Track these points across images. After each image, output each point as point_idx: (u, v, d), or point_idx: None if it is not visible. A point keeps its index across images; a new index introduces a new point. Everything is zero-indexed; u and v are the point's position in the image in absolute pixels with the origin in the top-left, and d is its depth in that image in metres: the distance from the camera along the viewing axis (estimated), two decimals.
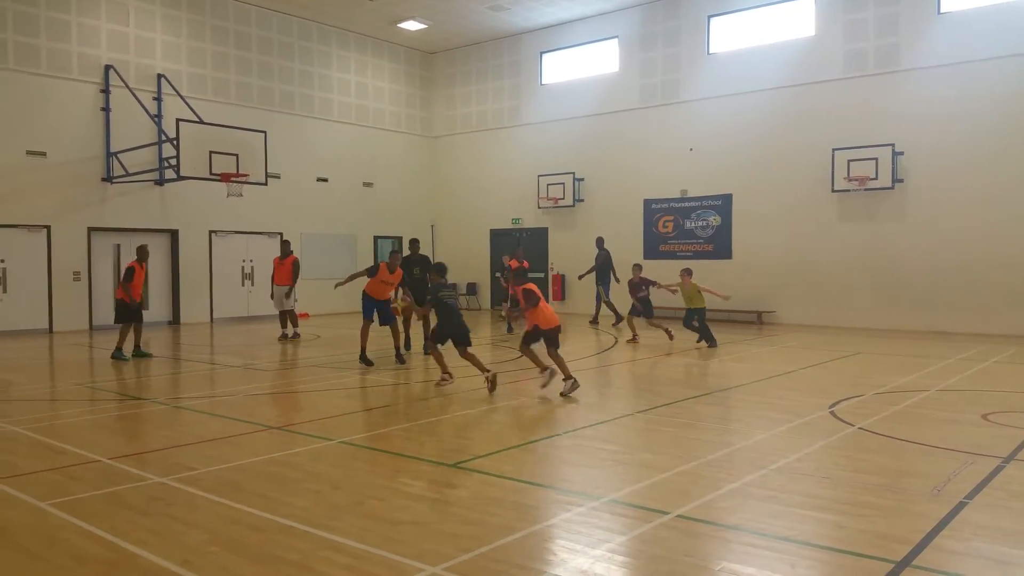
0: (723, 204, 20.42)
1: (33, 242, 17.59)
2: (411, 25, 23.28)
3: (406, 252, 14.30)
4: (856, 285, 18.32)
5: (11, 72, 17.17)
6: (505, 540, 4.57)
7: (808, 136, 18.87)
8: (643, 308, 15.51)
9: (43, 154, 17.63)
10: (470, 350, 9.85)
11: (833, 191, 18.38)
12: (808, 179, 18.90)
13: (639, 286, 15.41)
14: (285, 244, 16.75)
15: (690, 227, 21.01)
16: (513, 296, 17.28)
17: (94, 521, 4.91)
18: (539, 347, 9.83)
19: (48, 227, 17.76)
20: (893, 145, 17.48)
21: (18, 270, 17.35)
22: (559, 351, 9.62)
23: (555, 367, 9.56)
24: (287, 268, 16.19)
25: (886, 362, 12.41)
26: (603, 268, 19.80)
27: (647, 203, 21.77)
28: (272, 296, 16.43)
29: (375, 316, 12.41)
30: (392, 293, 12.82)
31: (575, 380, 9.41)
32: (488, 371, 9.52)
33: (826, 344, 14.94)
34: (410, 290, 13.20)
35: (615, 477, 6.03)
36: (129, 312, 12.99)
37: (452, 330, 9.81)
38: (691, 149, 20.86)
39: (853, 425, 7.64)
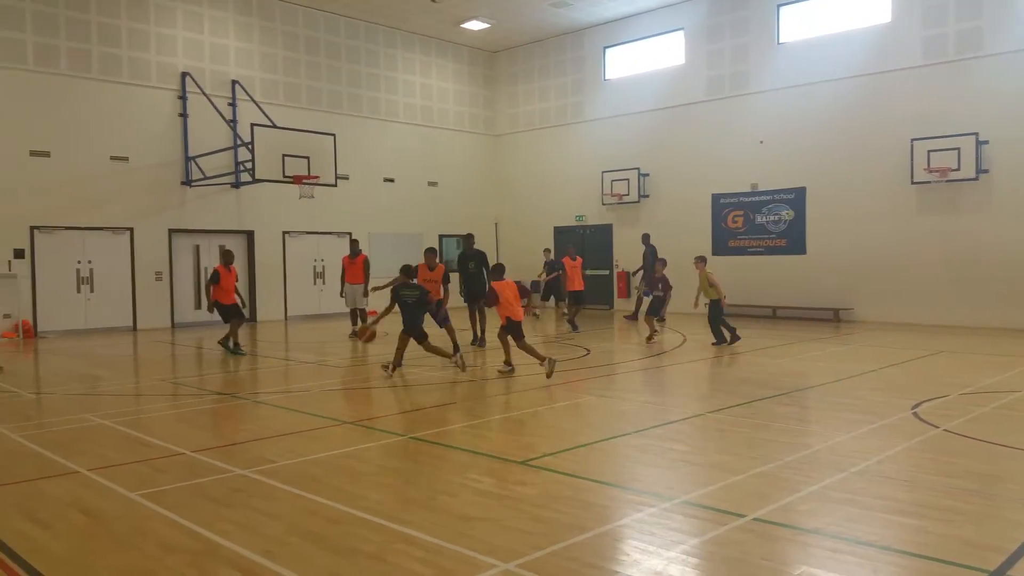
0: (796, 198, 19.95)
1: (117, 244, 18.29)
2: (474, 25, 23.40)
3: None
4: (938, 281, 17.66)
5: (95, 81, 17.87)
6: (576, 539, 4.55)
7: (885, 126, 18.26)
8: (652, 303, 15.17)
9: (125, 159, 18.31)
10: (432, 343, 10.94)
11: (913, 183, 17.75)
12: (886, 171, 18.30)
13: (658, 283, 14.93)
14: (354, 243, 16.99)
15: (761, 222, 20.58)
16: (573, 293, 17.43)
17: (180, 511, 5.09)
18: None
19: (131, 229, 18.45)
20: (977, 134, 16.78)
21: (104, 271, 18.06)
22: (524, 340, 10.68)
23: (550, 357, 10.34)
24: (358, 267, 16.42)
25: (971, 361, 11.95)
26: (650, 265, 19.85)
27: (715, 198, 21.41)
28: (342, 294, 16.69)
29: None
30: (440, 290, 13.09)
31: (551, 359, 10.24)
32: (454, 355, 10.95)
33: (907, 342, 14.46)
34: (465, 284, 13.96)
35: (687, 478, 5.93)
36: (226, 311, 13.50)
37: (407, 327, 10.87)
38: (761, 141, 20.42)
39: (938, 427, 7.37)
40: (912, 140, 17.57)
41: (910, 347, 13.70)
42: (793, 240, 20.02)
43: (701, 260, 14.29)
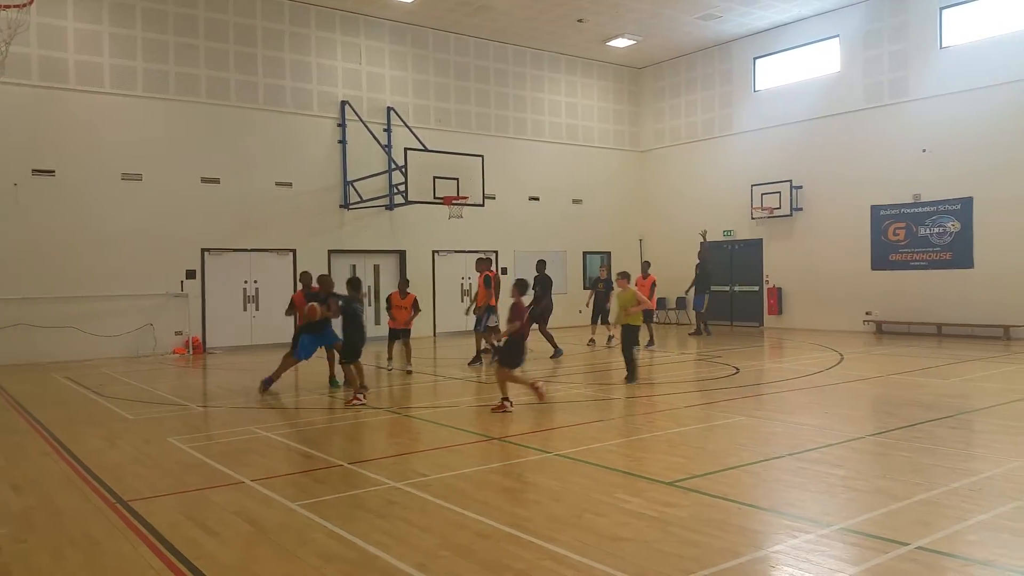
0: (963, 208, 18.69)
1: (281, 264, 19.50)
2: (620, 43, 23.43)
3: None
4: None
5: (262, 111, 19.21)
6: (729, 564, 4.48)
7: None
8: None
9: (289, 184, 19.54)
10: (352, 366, 10.55)
11: None
12: None
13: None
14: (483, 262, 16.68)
15: (924, 234, 19.41)
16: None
17: (338, 522, 5.35)
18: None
19: (294, 250, 19.62)
20: None
21: (269, 290, 19.27)
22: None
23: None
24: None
25: None
26: (703, 275, 20.20)
27: (875, 209, 20.38)
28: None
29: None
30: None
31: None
32: (360, 393, 10.31)
33: None
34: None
35: (846, 503, 5.70)
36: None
37: (345, 343, 10.72)
38: (924, 150, 19.29)
39: None
40: None
41: None
42: (959, 253, 18.75)
43: (623, 277, 12.06)
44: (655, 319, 18.95)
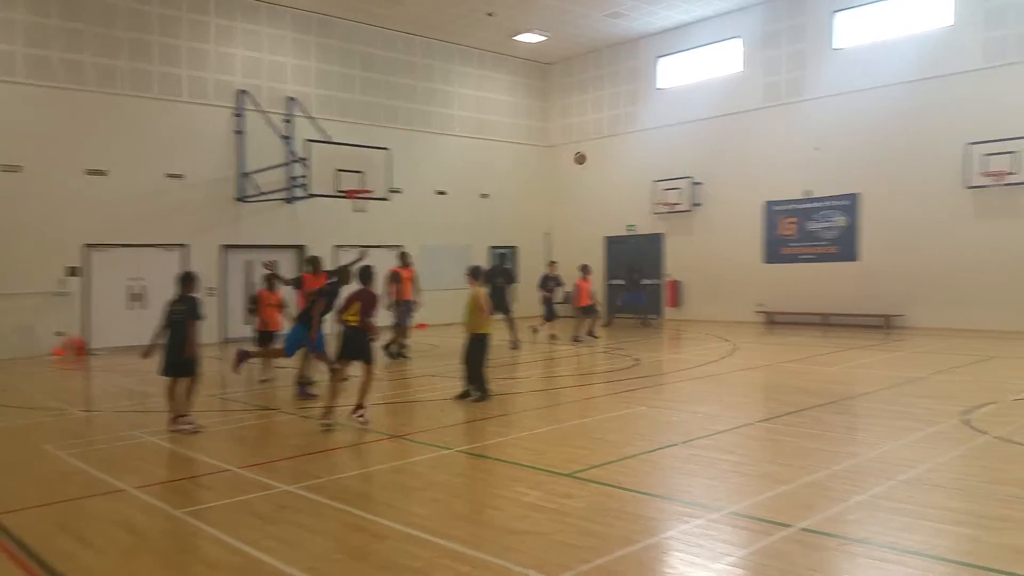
0: (850, 204, 19.60)
1: (171, 260, 18.69)
2: (529, 38, 23.51)
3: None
4: (993, 286, 17.15)
5: (155, 100, 18.41)
6: (624, 551, 4.56)
7: (941, 131, 17.83)
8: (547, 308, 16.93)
9: (181, 176, 18.80)
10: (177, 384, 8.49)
11: (968, 188, 17.33)
12: (941, 176, 17.87)
13: (549, 281, 16.35)
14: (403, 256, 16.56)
15: (814, 229, 20.26)
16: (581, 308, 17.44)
17: (225, 529, 5.15)
18: None
19: (185, 245, 18.90)
20: None
21: (158, 287, 18.31)
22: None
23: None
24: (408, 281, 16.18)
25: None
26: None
27: (768, 205, 21.14)
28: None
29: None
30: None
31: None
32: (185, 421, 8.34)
33: (959, 348, 14.10)
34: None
35: (735, 489, 5.89)
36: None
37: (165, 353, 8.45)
38: (817, 148, 20.11)
39: (988, 434, 7.20)
40: (969, 144, 17.16)
41: (962, 353, 13.38)
42: (845, 247, 19.66)
43: (472, 274, 10.29)
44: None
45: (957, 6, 17.79)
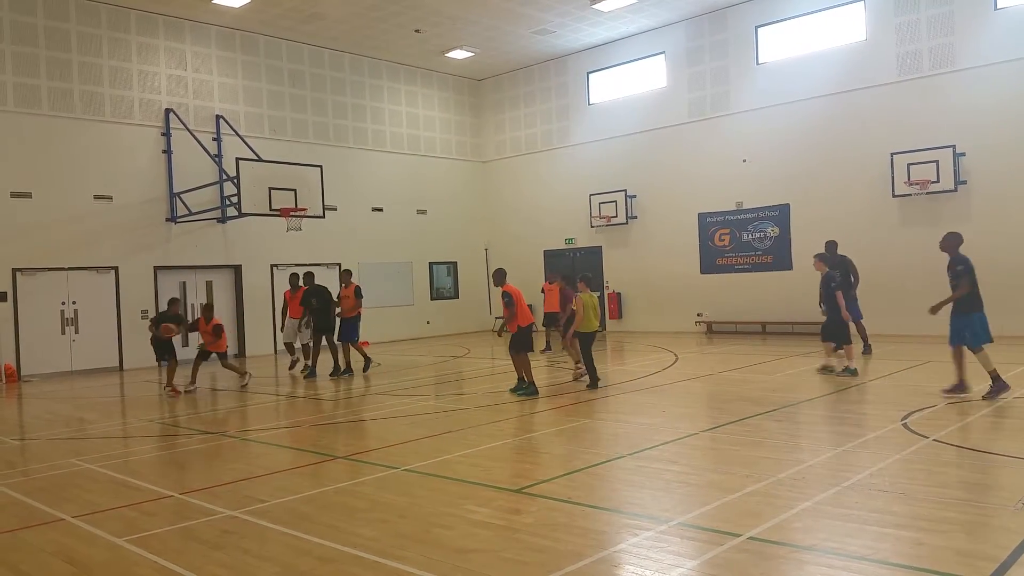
0: (780, 214, 20.10)
1: (102, 283, 18.17)
2: (459, 54, 23.57)
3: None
4: (921, 291, 17.51)
5: (77, 120, 17.86)
6: (574, 566, 4.53)
7: (865, 141, 18.47)
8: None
9: (109, 198, 18.25)
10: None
11: (894, 196, 17.94)
12: (867, 185, 18.49)
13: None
14: (293, 277, 16.26)
15: (747, 239, 20.70)
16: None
17: (169, 556, 5.01)
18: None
19: (116, 268, 18.35)
20: (954, 146, 17.01)
21: (89, 311, 17.92)
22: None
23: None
24: (297, 301, 16.07)
25: None
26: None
27: (702, 217, 21.54)
28: (283, 328, 16.38)
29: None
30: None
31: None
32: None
33: (893, 354, 14.53)
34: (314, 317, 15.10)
35: (683, 499, 5.92)
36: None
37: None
38: (744, 160, 20.60)
39: (927, 437, 7.39)
40: (892, 154, 17.78)
41: (896, 358, 13.78)
42: (779, 256, 20.14)
43: (585, 282, 12.75)
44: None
45: (868, 22, 18.48)
